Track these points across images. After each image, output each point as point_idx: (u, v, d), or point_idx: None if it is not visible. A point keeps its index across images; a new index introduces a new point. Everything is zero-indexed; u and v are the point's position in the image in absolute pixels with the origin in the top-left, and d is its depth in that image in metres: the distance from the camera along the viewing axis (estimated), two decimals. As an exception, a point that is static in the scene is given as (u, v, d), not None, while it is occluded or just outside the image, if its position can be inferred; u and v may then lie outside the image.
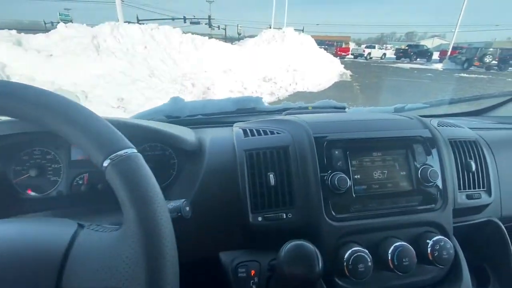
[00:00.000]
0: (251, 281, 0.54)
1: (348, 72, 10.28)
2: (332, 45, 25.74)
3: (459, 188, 0.66)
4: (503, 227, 0.71)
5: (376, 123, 0.66)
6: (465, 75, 12.78)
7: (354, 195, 0.58)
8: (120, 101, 4.88)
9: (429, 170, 0.60)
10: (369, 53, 24.47)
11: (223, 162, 0.62)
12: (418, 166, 0.62)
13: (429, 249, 0.57)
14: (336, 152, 0.60)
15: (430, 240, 0.58)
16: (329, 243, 0.56)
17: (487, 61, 15.29)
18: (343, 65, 10.89)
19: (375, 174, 0.61)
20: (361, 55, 24.71)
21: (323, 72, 9.21)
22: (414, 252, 0.55)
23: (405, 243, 0.56)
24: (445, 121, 0.76)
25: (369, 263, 0.53)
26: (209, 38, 8.62)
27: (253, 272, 0.55)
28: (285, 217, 0.56)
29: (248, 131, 0.65)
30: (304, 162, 0.58)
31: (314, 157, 0.58)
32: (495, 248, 0.70)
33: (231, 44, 9.72)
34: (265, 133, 0.64)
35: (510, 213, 0.76)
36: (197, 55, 7.55)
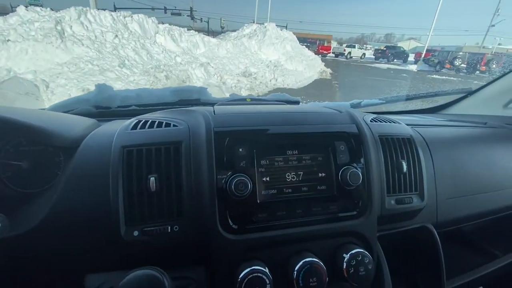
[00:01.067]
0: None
1: (329, 70, 10.34)
2: (314, 43, 25.84)
3: (388, 192, 0.58)
4: (436, 234, 0.64)
5: (296, 116, 0.57)
6: (436, 76, 13.29)
7: (258, 201, 0.48)
8: (85, 92, 4.56)
9: (350, 172, 0.51)
10: (349, 53, 24.89)
11: (95, 162, 0.50)
12: (340, 167, 0.53)
13: (344, 265, 0.48)
14: (241, 150, 0.49)
15: (347, 254, 0.49)
16: (223, 261, 0.46)
17: (457, 64, 16.08)
18: (324, 63, 10.94)
19: (288, 176, 0.51)
20: (341, 54, 25.06)
21: (304, 69, 9.19)
22: (325, 269, 0.47)
23: (315, 259, 0.47)
24: (382, 116, 0.68)
25: (268, 286, 0.43)
26: (188, 29, 8.31)
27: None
28: (169, 230, 0.45)
29: (140, 123, 0.53)
30: (198, 162, 0.48)
31: (211, 155, 0.47)
32: (427, 257, 0.64)
33: (213, 37, 9.44)
34: (160, 125, 0.53)
35: (447, 218, 0.70)
36: (174, 46, 7.25)
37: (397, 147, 0.61)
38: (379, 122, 0.65)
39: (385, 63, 21.53)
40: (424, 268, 0.65)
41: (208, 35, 9.69)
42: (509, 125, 0.99)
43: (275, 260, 0.48)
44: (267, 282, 0.44)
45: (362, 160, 0.55)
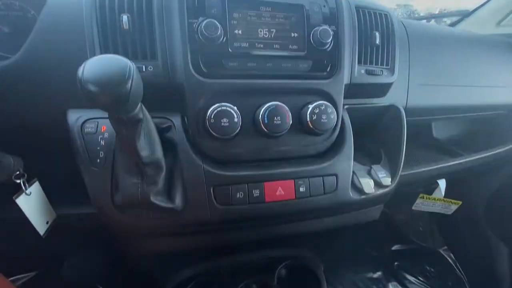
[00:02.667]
0: (100, 137, 0.47)
1: None
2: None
3: (359, 62, 0.60)
4: (403, 115, 0.68)
5: None
6: None
7: (230, 50, 0.50)
8: None
9: (321, 29, 0.53)
10: None
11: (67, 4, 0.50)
12: (312, 27, 0.54)
13: (308, 113, 0.52)
14: None
15: (312, 104, 0.53)
16: (195, 101, 0.49)
17: None
18: None
19: (261, 32, 0.52)
20: None
21: None
22: (290, 113, 0.51)
23: (280, 103, 0.51)
24: None
25: (235, 119, 0.48)
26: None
27: (103, 127, 0.48)
28: (144, 69, 0.48)
29: None
30: (169, 5, 0.48)
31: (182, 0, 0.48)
32: (392, 135, 0.69)
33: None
34: None
35: (417, 105, 0.73)
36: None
37: (373, 20, 0.62)
38: None
39: None
40: (388, 144, 0.70)
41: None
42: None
43: (245, 106, 0.52)
44: (235, 116, 0.48)
45: (335, 22, 0.55)
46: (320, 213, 0.57)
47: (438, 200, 0.92)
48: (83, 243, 0.97)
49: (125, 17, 0.47)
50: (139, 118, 0.38)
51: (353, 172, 0.59)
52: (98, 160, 0.47)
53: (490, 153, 0.94)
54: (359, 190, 0.58)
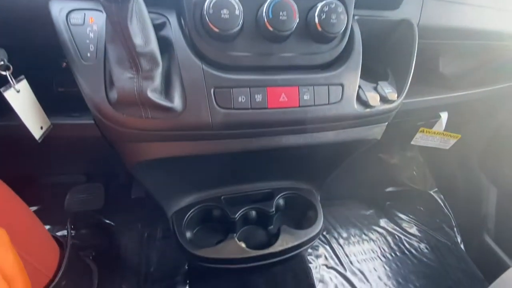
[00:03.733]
0: (88, 29, 0.43)
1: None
2: None
3: None
4: (416, 30, 0.64)
5: None
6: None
7: None
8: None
9: None
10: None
11: None
12: None
13: (316, 13, 0.48)
14: None
15: (321, 3, 0.48)
16: None
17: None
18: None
19: None
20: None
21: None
22: (296, 8, 0.46)
23: None
24: None
25: (237, 12, 0.43)
26: None
27: (91, 19, 0.43)
28: None
29: None
30: None
31: None
32: (402, 53, 0.65)
33: None
34: None
35: (430, 23, 0.68)
36: None
37: None
38: None
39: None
40: (396, 64, 0.67)
41: None
42: None
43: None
44: (236, 8, 0.43)
45: None
46: (323, 125, 0.56)
47: (438, 134, 0.92)
48: (85, 172, 0.98)
49: None
50: None
51: (359, 86, 0.56)
52: (89, 54, 0.43)
53: (493, 87, 0.92)
54: (364, 103, 0.56)
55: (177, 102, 0.45)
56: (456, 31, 0.75)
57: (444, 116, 0.88)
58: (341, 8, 0.49)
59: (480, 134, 1.22)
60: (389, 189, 1.46)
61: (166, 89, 0.45)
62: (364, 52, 0.57)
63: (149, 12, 0.45)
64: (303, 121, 0.52)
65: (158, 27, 0.46)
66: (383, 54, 0.68)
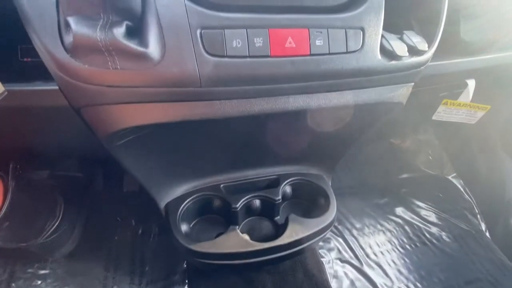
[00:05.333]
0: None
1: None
2: None
3: None
4: None
5: None
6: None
7: None
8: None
9: None
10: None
11: None
12: None
13: None
14: None
15: None
16: None
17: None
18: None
19: None
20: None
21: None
22: None
23: None
24: None
25: None
26: None
27: None
28: None
29: None
30: None
31: None
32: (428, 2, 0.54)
33: None
34: None
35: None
36: None
37: None
38: None
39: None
40: (422, 14, 0.56)
41: None
42: None
43: None
44: None
45: None
46: (339, 82, 0.45)
47: (463, 106, 0.81)
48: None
49: None
50: None
51: (382, 35, 0.46)
52: None
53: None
54: (389, 53, 0.45)
55: (152, 47, 0.35)
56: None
57: (471, 84, 0.76)
58: None
59: (506, 107, 1.11)
60: (403, 175, 1.34)
61: (138, 30, 0.35)
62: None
63: None
64: (315, 74, 0.42)
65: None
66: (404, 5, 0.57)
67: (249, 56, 0.38)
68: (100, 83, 0.35)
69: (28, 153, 0.70)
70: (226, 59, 0.37)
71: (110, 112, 0.39)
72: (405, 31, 0.49)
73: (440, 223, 1.16)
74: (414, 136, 1.43)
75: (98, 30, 0.32)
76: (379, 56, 0.44)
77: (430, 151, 1.40)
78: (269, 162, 0.81)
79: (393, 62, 0.46)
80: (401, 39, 0.48)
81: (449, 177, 1.34)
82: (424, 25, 0.54)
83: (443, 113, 0.84)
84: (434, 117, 0.86)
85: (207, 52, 0.36)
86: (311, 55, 0.40)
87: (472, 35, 0.87)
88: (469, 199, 1.26)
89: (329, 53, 0.41)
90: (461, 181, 1.32)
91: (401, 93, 0.53)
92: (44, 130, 0.57)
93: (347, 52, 0.42)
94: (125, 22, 0.34)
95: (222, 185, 0.78)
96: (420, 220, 1.16)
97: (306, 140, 0.69)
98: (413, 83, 0.54)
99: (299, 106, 0.45)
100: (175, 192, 0.75)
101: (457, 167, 1.35)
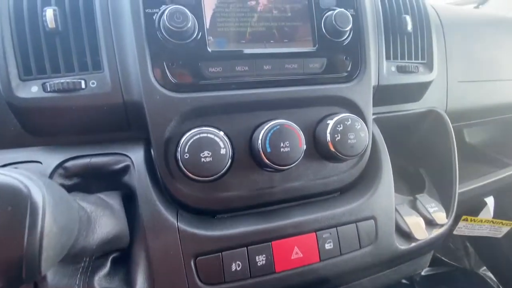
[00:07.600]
0: None
1: None
2: None
3: (388, 57, 0.44)
4: (447, 119, 0.52)
5: None
6: None
7: (210, 50, 0.34)
8: None
9: (337, 13, 0.37)
10: None
11: None
12: (323, 11, 0.38)
13: (328, 131, 0.36)
14: None
15: (332, 119, 0.37)
16: (161, 127, 0.33)
17: None
18: None
19: (252, 20, 0.37)
20: None
21: None
22: (301, 133, 0.34)
23: (287, 121, 0.34)
24: None
25: (223, 151, 0.31)
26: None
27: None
28: (84, 86, 0.32)
29: None
30: None
31: None
32: (435, 149, 0.52)
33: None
34: None
35: (457, 107, 0.57)
36: None
37: (400, 2, 0.46)
38: None
39: None
40: (430, 161, 0.53)
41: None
42: None
43: (236, 129, 0.35)
44: (222, 146, 0.31)
45: (353, 4, 0.40)
46: (354, 276, 0.40)
47: (485, 222, 0.74)
48: None
49: (50, 11, 0.31)
50: None
51: (395, 210, 0.42)
52: None
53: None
54: (406, 235, 0.40)
55: (140, 286, 0.30)
56: (484, 110, 0.64)
57: (490, 201, 0.71)
58: (359, 124, 0.37)
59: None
60: (427, 270, 1.21)
61: (125, 267, 0.31)
62: (389, 150, 0.44)
63: (107, 153, 0.34)
64: (327, 280, 0.36)
65: (118, 173, 0.34)
66: (411, 150, 0.55)
67: (251, 277, 0.33)
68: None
69: None
70: (225, 286, 0.32)
71: None
72: (417, 196, 0.45)
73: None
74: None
75: (77, 278, 0.28)
76: (396, 243, 0.39)
77: (450, 239, 1.29)
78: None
79: (413, 244, 0.41)
80: (415, 208, 0.44)
81: (479, 271, 1.20)
82: (433, 176, 0.51)
83: (464, 228, 0.77)
84: (455, 232, 0.79)
85: (202, 281, 0.32)
86: (321, 261, 0.35)
87: (476, 139, 0.85)
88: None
89: (341, 254, 0.36)
90: (492, 276, 1.18)
91: (422, 262, 0.47)
92: None
93: (360, 248, 0.37)
94: (111, 257, 0.30)
95: None
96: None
97: None
98: (432, 251, 0.48)
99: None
100: None
101: (484, 259, 1.22)
